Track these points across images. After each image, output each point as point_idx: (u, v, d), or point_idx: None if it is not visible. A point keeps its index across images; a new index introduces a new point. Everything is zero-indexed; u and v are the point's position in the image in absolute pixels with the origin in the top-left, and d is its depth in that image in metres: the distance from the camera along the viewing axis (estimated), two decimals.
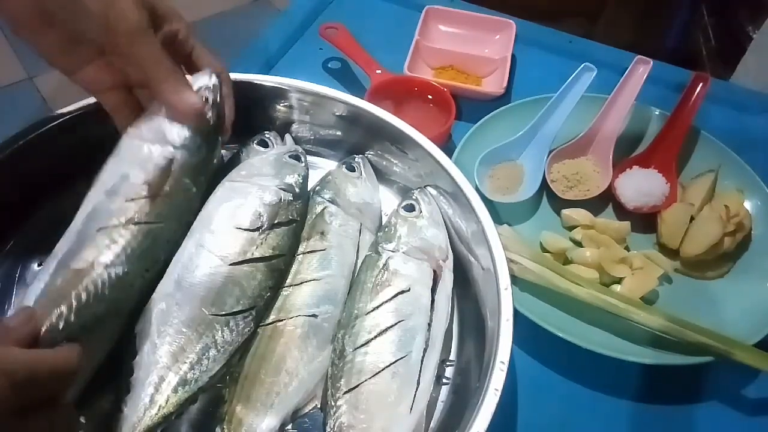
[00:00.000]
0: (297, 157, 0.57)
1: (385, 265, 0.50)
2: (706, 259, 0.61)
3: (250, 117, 0.60)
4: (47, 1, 0.43)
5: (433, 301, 0.49)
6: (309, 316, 0.49)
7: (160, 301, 0.46)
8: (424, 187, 0.57)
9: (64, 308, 0.41)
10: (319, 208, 0.55)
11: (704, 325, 0.54)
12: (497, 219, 0.60)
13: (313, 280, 0.51)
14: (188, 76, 0.50)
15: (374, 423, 0.43)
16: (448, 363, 0.50)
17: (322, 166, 0.62)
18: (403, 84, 0.74)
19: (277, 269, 0.50)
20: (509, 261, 0.49)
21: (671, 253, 0.63)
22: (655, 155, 0.69)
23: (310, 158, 0.59)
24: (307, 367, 0.47)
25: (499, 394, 0.40)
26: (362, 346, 0.46)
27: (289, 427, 0.46)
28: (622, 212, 0.67)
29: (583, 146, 0.70)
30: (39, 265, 0.53)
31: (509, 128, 0.70)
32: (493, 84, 0.80)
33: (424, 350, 0.47)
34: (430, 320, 0.48)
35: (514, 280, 0.54)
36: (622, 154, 0.70)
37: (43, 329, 0.40)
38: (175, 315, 0.46)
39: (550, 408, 0.55)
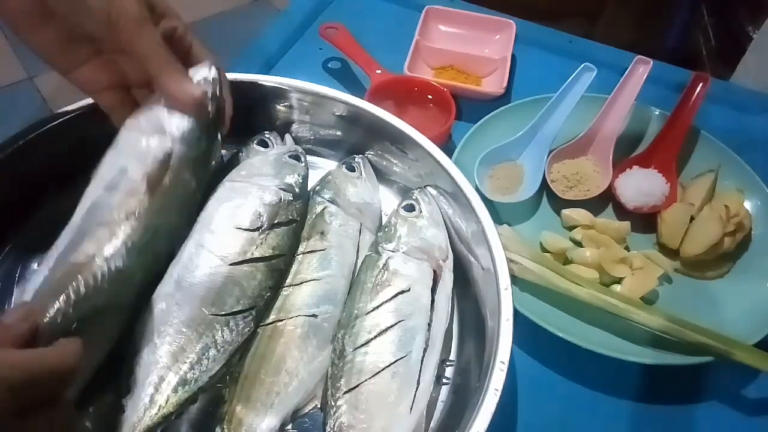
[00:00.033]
0: (297, 157, 0.57)
1: (385, 265, 0.50)
2: (706, 259, 0.61)
3: (250, 117, 0.60)
4: None
5: (433, 301, 0.49)
6: (309, 316, 0.49)
7: (160, 301, 0.46)
8: (424, 187, 0.57)
9: (63, 302, 0.41)
10: (319, 208, 0.55)
11: (704, 325, 0.54)
12: (497, 219, 0.60)
13: (313, 280, 0.51)
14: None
15: (374, 423, 0.43)
16: (448, 363, 0.50)
17: (322, 166, 0.62)
18: (403, 84, 0.74)
19: (277, 269, 0.50)
20: (509, 261, 0.49)
21: (671, 253, 0.63)
22: (655, 155, 0.69)
23: (310, 158, 0.59)
24: (307, 367, 0.47)
25: (499, 394, 0.40)
26: (362, 346, 0.46)
27: (289, 427, 0.46)
28: (622, 212, 0.67)
29: (583, 146, 0.70)
30: (39, 265, 0.53)
31: (509, 128, 0.70)
32: (493, 84, 0.80)
33: (424, 350, 0.47)
34: (430, 320, 0.48)
35: (514, 280, 0.54)
36: (622, 154, 0.70)
37: (43, 324, 0.39)
38: (175, 315, 0.46)
39: (550, 408, 0.55)
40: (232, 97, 0.53)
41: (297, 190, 0.54)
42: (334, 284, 0.51)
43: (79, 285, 0.42)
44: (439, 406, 0.48)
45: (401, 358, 0.46)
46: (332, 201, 0.55)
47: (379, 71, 0.75)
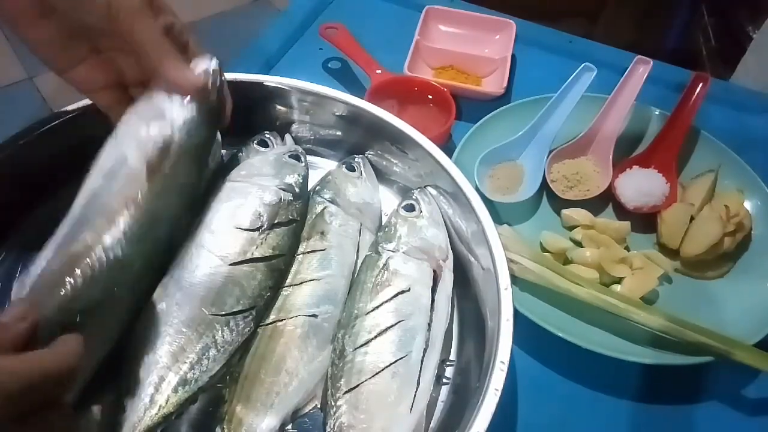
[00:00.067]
0: (297, 157, 0.57)
1: (385, 265, 0.50)
2: (706, 259, 0.61)
3: (250, 117, 0.60)
4: None
5: (433, 301, 0.49)
6: (309, 316, 0.49)
7: (160, 301, 0.46)
8: (424, 187, 0.57)
9: (61, 295, 0.40)
10: (319, 208, 0.55)
11: (704, 325, 0.54)
12: (497, 219, 0.60)
13: (313, 280, 0.51)
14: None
15: (374, 423, 0.43)
16: (448, 363, 0.50)
17: (322, 166, 0.62)
18: (403, 84, 0.74)
19: (277, 269, 0.50)
20: (509, 261, 0.49)
21: (671, 253, 0.63)
22: (655, 155, 0.69)
23: (310, 158, 0.59)
24: (307, 367, 0.47)
25: (499, 394, 0.40)
26: (362, 346, 0.46)
27: (289, 427, 0.46)
28: (622, 212, 0.67)
29: (583, 146, 0.70)
30: (37, 257, 0.51)
31: (509, 128, 0.70)
32: (493, 84, 0.80)
33: (424, 350, 0.47)
34: (430, 320, 0.48)
35: (514, 280, 0.54)
36: (622, 154, 0.70)
37: (41, 319, 0.37)
38: (175, 315, 0.46)
39: (550, 408, 0.55)
40: (231, 96, 0.53)
41: (297, 190, 0.54)
42: (334, 284, 0.51)
43: (77, 276, 0.41)
44: (439, 406, 0.48)
45: (401, 358, 0.46)
46: (332, 201, 0.55)
47: (379, 71, 0.75)
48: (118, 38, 0.45)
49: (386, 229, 0.54)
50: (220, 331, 0.46)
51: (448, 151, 0.58)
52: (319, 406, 0.47)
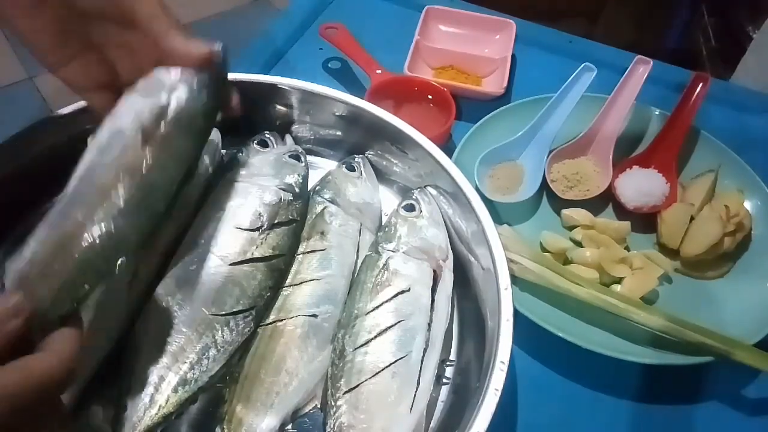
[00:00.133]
0: (297, 157, 0.57)
1: (385, 265, 0.50)
2: (706, 259, 0.61)
3: (250, 117, 0.60)
4: None
5: (433, 301, 0.49)
6: (309, 316, 0.49)
7: (160, 301, 0.46)
8: (424, 187, 0.57)
9: (54, 280, 0.37)
10: (319, 208, 0.55)
11: (704, 325, 0.54)
12: (497, 219, 0.60)
13: (313, 280, 0.51)
14: None
15: (374, 423, 0.43)
16: (448, 363, 0.50)
17: (322, 166, 0.62)
18: (403, 84, 0.74)
19: (277, 269, 0.50)
20: (509, 261, 0.49)
21: (671, 253, 0.63)
22: (655, 155, 0.69)
23: (310, 158, 0.59)
24: (307, 367, 0.47)
25: (499, 394, 0.40)
26: (362, 346, 0.46)
27: (289, 427, 0.46)
28: (622, 212, 0.67)
29: (583, 146, 0.70)
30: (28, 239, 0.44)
31: (509, 128, 0.70)
32: (493, 84, 0.80)
33: (424, 350, 0.47)
34: (430, 320, 0.48)
35: (514, 280, 0.54)
36: (622, 154, 0.70)
37: (34, 311, 0.34)
38: (175, 315, 0.46)
39: (550, 408, 0.55)
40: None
41: (297, 190, 0.54)
42: (334, 284, 0.51)
43: (70, 258, 0.38)
44: (439, 406, 0.48)
45: (401, 358, 0.46)
46: (332, 201, 0.55)
47: (379, 71, 0.75)
48: (115, 23, 0.44)
49: (386, 229, 0.54)
50: (220, 331, 0.46)
51: (448, 151, 0.58)
52: (319, 406, 0.47)
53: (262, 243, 0.49)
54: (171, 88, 0.44)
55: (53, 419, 0.33)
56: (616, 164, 0.69)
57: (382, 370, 0.45)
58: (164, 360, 0.44)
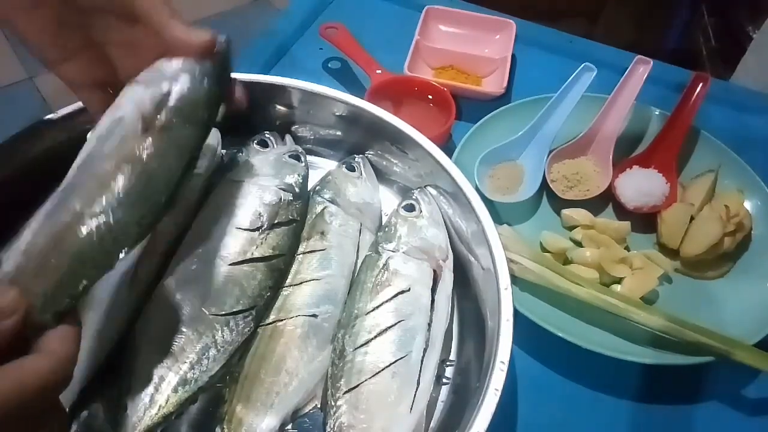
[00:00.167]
0: (297, 157, 0.57)
1: (385, 265, 0.50)
2: (706, 259, 0.61)
3: (250, 117, 0.60)
4: None
5: (433, 301, 0.49)
6: (309, 316, 0.49)
7: (160, 301, 0.46)
8: (424, 187, 0.57)
9: (51, 274, 0.35)
10: (319, 208, 0.55)
11: (704, 325, 0.54)
12: (497, 219, 0.60)
13: (313, 280, 0.51)
14: None
15: (374, 423, 0.43)
16: (448, 363, 0.50)
17: (322, 166, 0.62)
18: (403, 84, 0.74)
19: (277, 269, 0.50)
20: (509, 261, 0.49)
21: (671, 253, 0.63)
22: (655, 155, 0.69)
23: (310, 158, 0.59)
24: (307, 367, 0.47)
25: (499, 394, 0.40)
26: (362, 346, 0.46)
27: (289, 427, 0.46)
28: (622, 212, 0.67)
29: (583, 146, 0.70)
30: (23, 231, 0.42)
31: (509, 128, 0.70)
32: (493, 84, 0.80)
33: (424, 350, 0.47)
34: (430, 320, 0.48)
35: (514, 280, 0.54)
36: (622, 154, 0.70)
37: (29, 309, 0.33)
38: (175, 315, 0.46)
39: (550, 408, 0.55)
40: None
41: (297, 190, 0.54)
42: (334, 284, 0.51)
43: (66, 250, 0.36)
44: (439, 406, 0.48)
45: (401, 358, 0.46)
46: (332, 201, 0.55)
47: (379, 71, 0.75)
48: (115, 17, 0.44)
49: (386, 229, 0.54)
50: (220, 331, 0.46)
51: (448, 151, 0.58)
52: (319, 406, 0.47)
53: (262, 243, 0.49)
54: (173, 77, 0.43)
55: (52, 420, 0.32)
56: (616, 164, 0.69)
57: (382, 370, 0.45)
58: (164, 360, 0.44)
